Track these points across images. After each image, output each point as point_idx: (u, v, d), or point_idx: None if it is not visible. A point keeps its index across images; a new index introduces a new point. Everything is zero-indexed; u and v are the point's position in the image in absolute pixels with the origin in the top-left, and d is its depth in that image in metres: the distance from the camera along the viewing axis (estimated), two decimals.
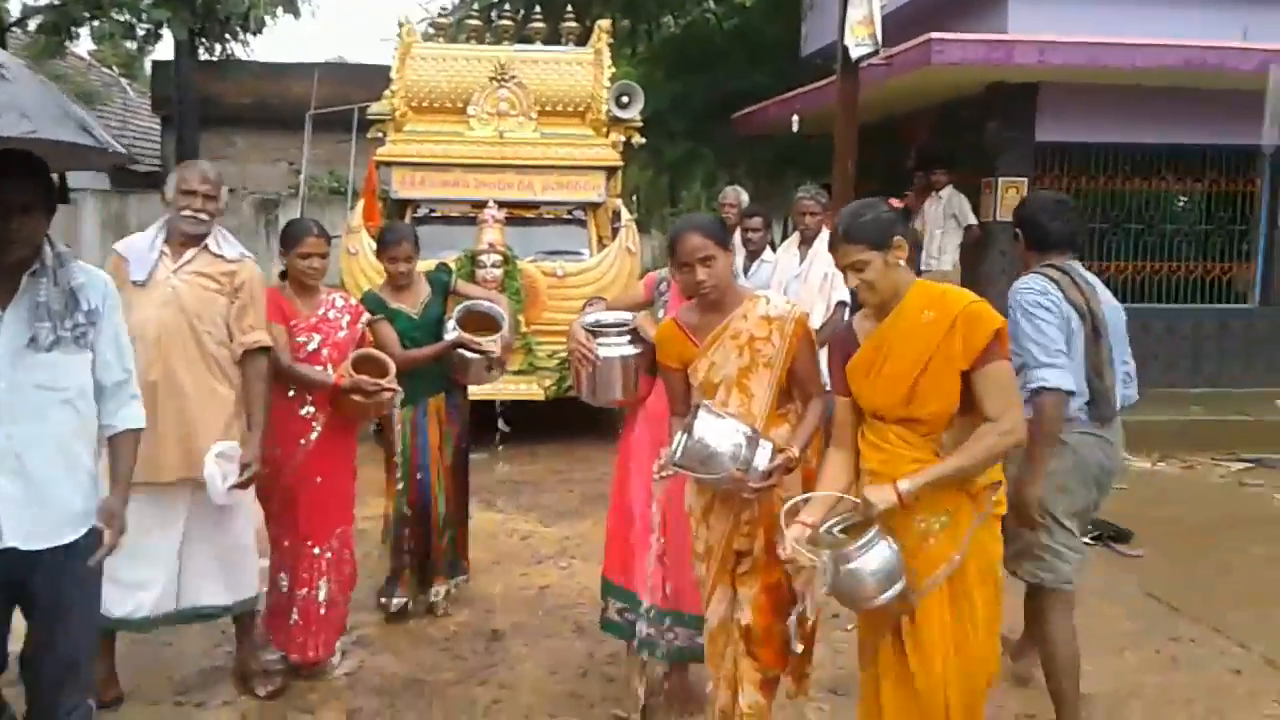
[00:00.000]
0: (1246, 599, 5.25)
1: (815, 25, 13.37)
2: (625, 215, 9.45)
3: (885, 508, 2.74)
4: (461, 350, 4.71)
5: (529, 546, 6.01)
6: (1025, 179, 9.69)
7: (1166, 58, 8.66)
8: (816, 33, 13.13)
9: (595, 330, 3.77)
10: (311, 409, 4.15)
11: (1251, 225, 10.38)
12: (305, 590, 4.15)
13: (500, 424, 6.25)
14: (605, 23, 10.31)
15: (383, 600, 4.85)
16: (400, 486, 4.82)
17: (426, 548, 4.84)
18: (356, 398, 4.12)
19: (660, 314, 3.74)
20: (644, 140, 10.22)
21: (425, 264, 8.37)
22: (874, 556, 2.70)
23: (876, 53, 7.97)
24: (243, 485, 3.80)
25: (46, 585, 2.71)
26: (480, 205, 8.86)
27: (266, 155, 21.03)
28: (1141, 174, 10.11)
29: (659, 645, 3.74)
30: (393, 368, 4.24)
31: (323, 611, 4.18)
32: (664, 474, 3.13)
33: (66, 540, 2.72)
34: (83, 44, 20.53)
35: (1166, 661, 4.56)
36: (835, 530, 2.80)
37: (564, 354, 8.33)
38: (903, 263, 2.84)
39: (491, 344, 4.73)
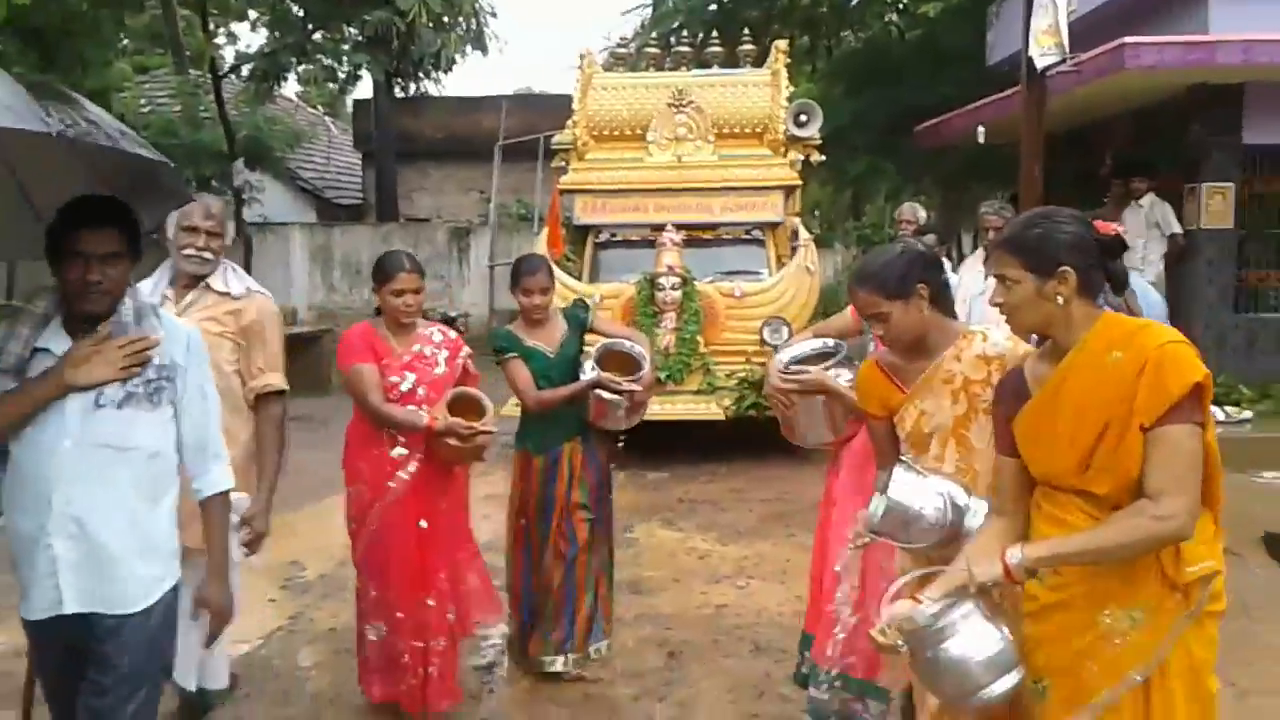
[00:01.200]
0: None
1: (1001, 34, 12.99)
2: (804, 234, 9.43)
3: (985, 581, 2.31)
4: (599, 391, 4.33)
5: (707, 565, 6.05)
6: (1232, 184, 9.14)
7: None
8: (1003, 41, 12.76)
9: (792, 369, 3.50)
10: (404, 451, 3.88)
11: None
12: (419, 643, 3.87)
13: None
14: (782, 43, 10.35)
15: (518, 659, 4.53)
16: (528, 541, 4.45)
17: (539, 606, 4.42)
18: (452, 441, 3.82)
19: (870, 346, 3.53)
20: (824, 157, 10.18)
21: (608, 288, 8.74)
22: (966, 639, 2.26)
23: (1063, 61, 7.69)
24: (247, 544, 3.57)
25: (112, 654, 2.54)
26: (659, 229, 9.02)
27: (459, 186, 21.92)
28: None
29: (828, 715, 3.55)
30: (490, 409, 3.92)
31: (444, 664, 3.92)
32: (860, 544, 2.81)
33: (136, 609, 2.55)
34: (289, 86, 21.92)
35: None
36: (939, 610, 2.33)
37: (743, 374, 8.42)
38: (1063, 299, 2.32)
39: (632, 384, 4.35)
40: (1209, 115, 9.15)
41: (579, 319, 4.53)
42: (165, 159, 2.68)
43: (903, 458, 2.73)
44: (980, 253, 6.08)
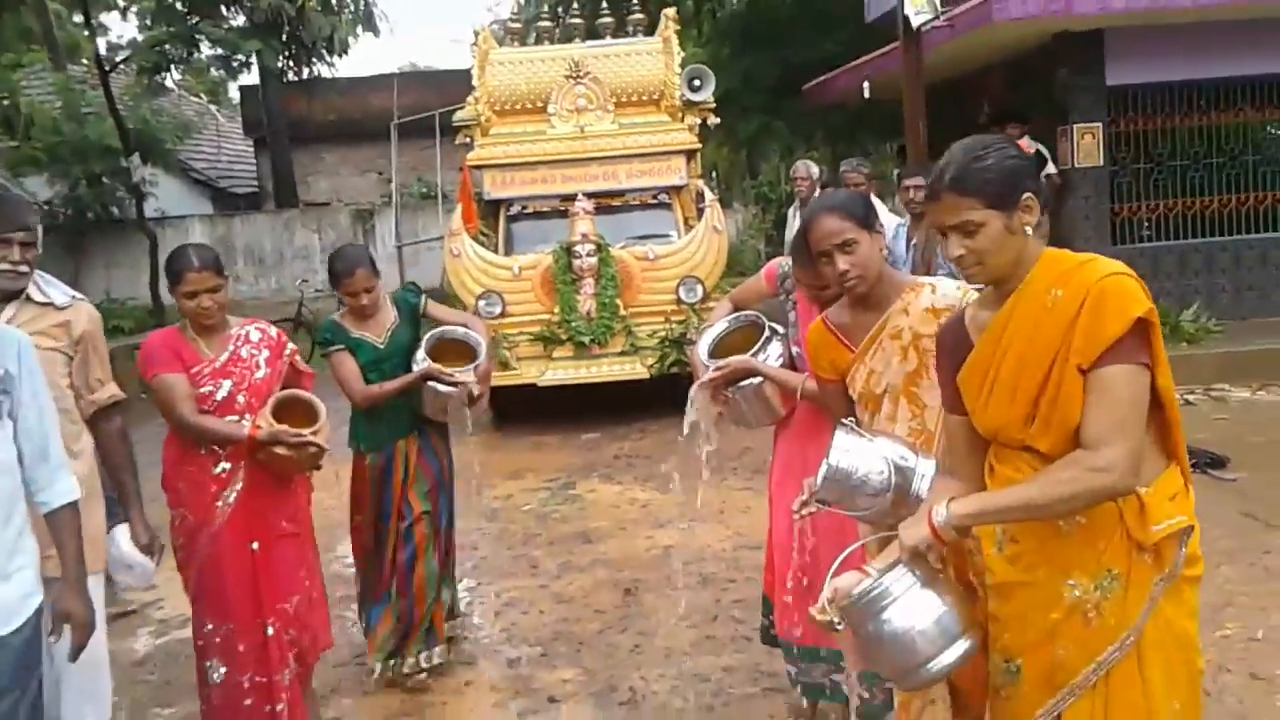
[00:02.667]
0: None
1: None
2: (709, 195, 9.83)
3: (913, 545, 2.12)
4: (432, 383, 4.09)
5: (649, 513, 6.47)
6: (1099, 124, 9.81)
7: None
8: None
9: (718, 363, 3.38)
10: (227, 465, 3.49)
11: None
12: (249, 677, 3.53)
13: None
14: (671, 10, 10.69)
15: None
16: (361, 536, 4.28)
17: (384, 610, 4.23)
18: (280, 451, 3.45)
19: (791, 315, 3.42)
20: (719, 120, 10.60)
21: (525, 259, 9.03)
22: (902, 609, 2.08)
23: (936, 17, 8.22)
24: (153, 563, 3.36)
25: None
26: (569, 199, 9.36)
27: (356, 167, 21.85)
28: (1218, 108, 10.14)
29: (799, 683, 3.52)
30: (323, 412, 3.59)
31: (285, 698, 3.55)
32: (804, 512, 2.61)
33: (2, 631, 2.40)
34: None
35: (1260, 573, 4.82)
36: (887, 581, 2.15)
37: (663, 333, 8.83)
38: (1030, 229, 2.10)
39: (466, 375, 4.10)
40: (1073, 60, 9.79)
41: (410, 304, 4.29)
42: None
43: (843, 420, 2.55)
44: None
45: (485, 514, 6.67)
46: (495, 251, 9.47)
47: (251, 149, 23.18)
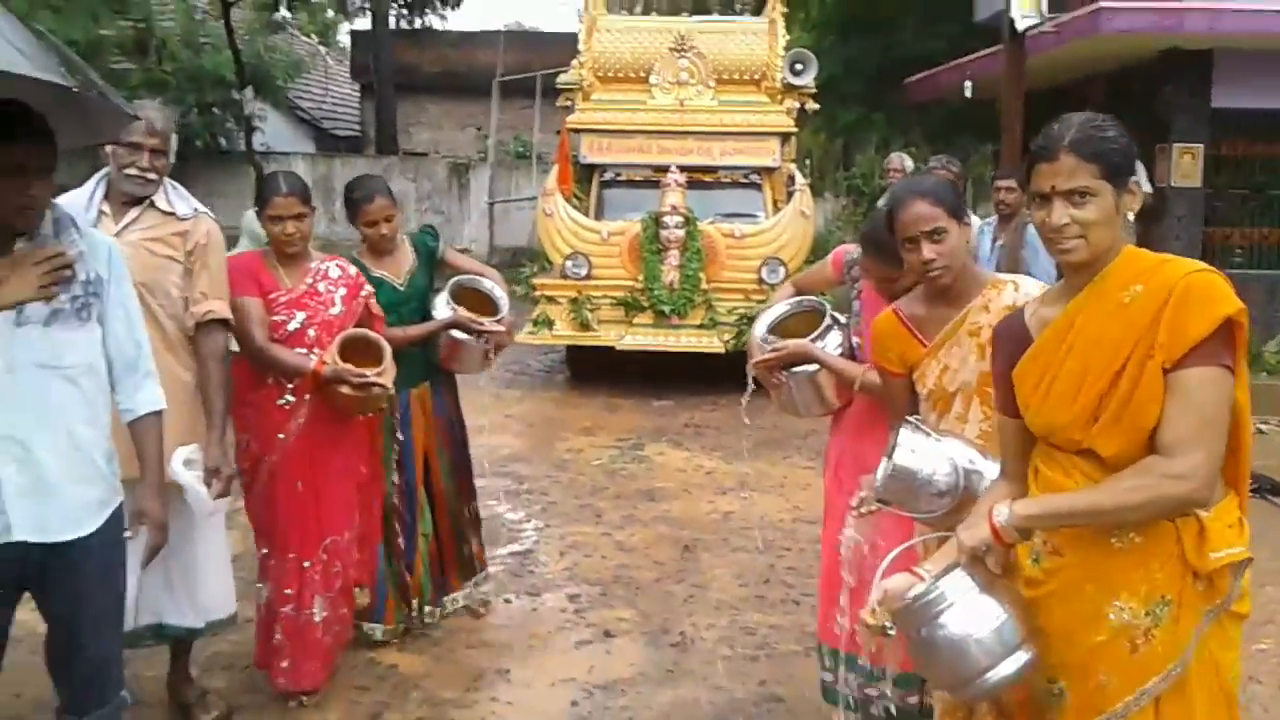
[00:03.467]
0: None
1: None
2: (799, 179, 9.99)
3: (973, 546, 2.00)
4: (456, 332, 4.01)
5: (713, 480, 6.72)
6: (1200, 145, 9.77)
7: None
8: None
9: (774, 343, 3.27)
10: (291, 399, 3.51)
11: None
12: (290, 608, 3.56)
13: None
14: None
15: (365, 627, 4.08)
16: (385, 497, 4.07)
17: (411, 564, 4.15)
18: (343, 389, 3.46)
19: (855, 304, 3.30)
20: (817, 106, 10.74)
21: (614, 225, 9.29)
22: (959, 615, 1.95)
23: (1043, 22, 8.26)
24: (223, 494, 3.29)
25: (66, 582, 2.46)
26: (662, 170, 9.60)
27: (456, 121, 22.31)
28: None
29: (848, 698, 3.26)
30: (389, 353, 3.57)
31: (319, 635, 3.59)
32: (864, 510, 2.63)
33: (84, 532, 2.45)
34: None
35: None
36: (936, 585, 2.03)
37: (742, 310, 9.04)
38: (1132, 215, 2.02)
39: (495, 324, 4.05)
40: (1180, 78, 9.75)
41: (429, 248, 4.18)
42: (95, 88, 2.38)
43: (909, 418, 2.48)
44: None
45: (556, 464, 6.98)
46: (586, 215, 9.75)
47: (357, 93, 23.76)
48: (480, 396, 8.93)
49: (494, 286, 4.18)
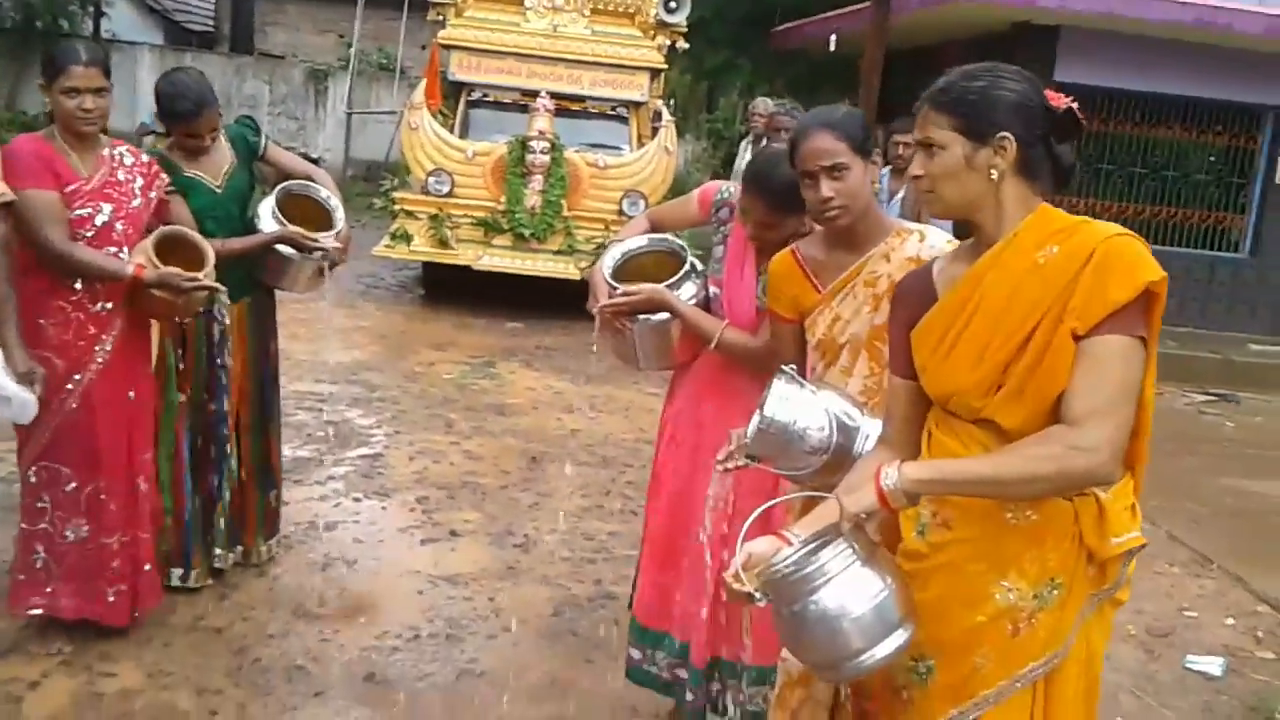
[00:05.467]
0: (1161, 491, 6.08)
1: None
2: (666, 116, 10.14)
3: (856, 511, 1.83)
4: (283, 247, 3.63)
5: (561, 399, 6.90)
6: None
7: (1179, 14, 9.29)
8: None
9: (623, 289, 2.88)
10: (108, 305, 3.17)
11: (1249, 179, 11.05)
12: (131, 535, 3.31)
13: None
14: None
15: (171, 578, 3.67)
16: (185, 421, 3.65)
17: (218, 499, 3.77)
18: (160, 294, 3.14)
19: (719, 249, 3.00)
20: (687, 45, 10.89)
21: (479, 145, 9.26)
22: (837, 588, 1.75)
23: None
24: (43, 396, 3.01)
25: None
26: (531, 94, 9.61)
27: (316, 25, 21.52)
28: (1151, 121, 10.75)
29: (657, 678, 3.09)
30: (211, 255, 3.26)
31: (147, 556, 3.38)
32: (729, 465, 2.42)
33: None
34: None
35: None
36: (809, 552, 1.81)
37: (600, 240, 9.18)
38: (996, 173, 1.85)
39: (328, 240, 3.67)
40: (1028, 51, 10.25)
41: (249, 144, 3.73)
42: None
43: (784, 368, 2.30)
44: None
45: (407, 375, 7.03)
46: (452, 132, 9.69)
47: None
48: (331, 306, 8.90)
49: (329, 195, 3.76)
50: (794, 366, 2.33)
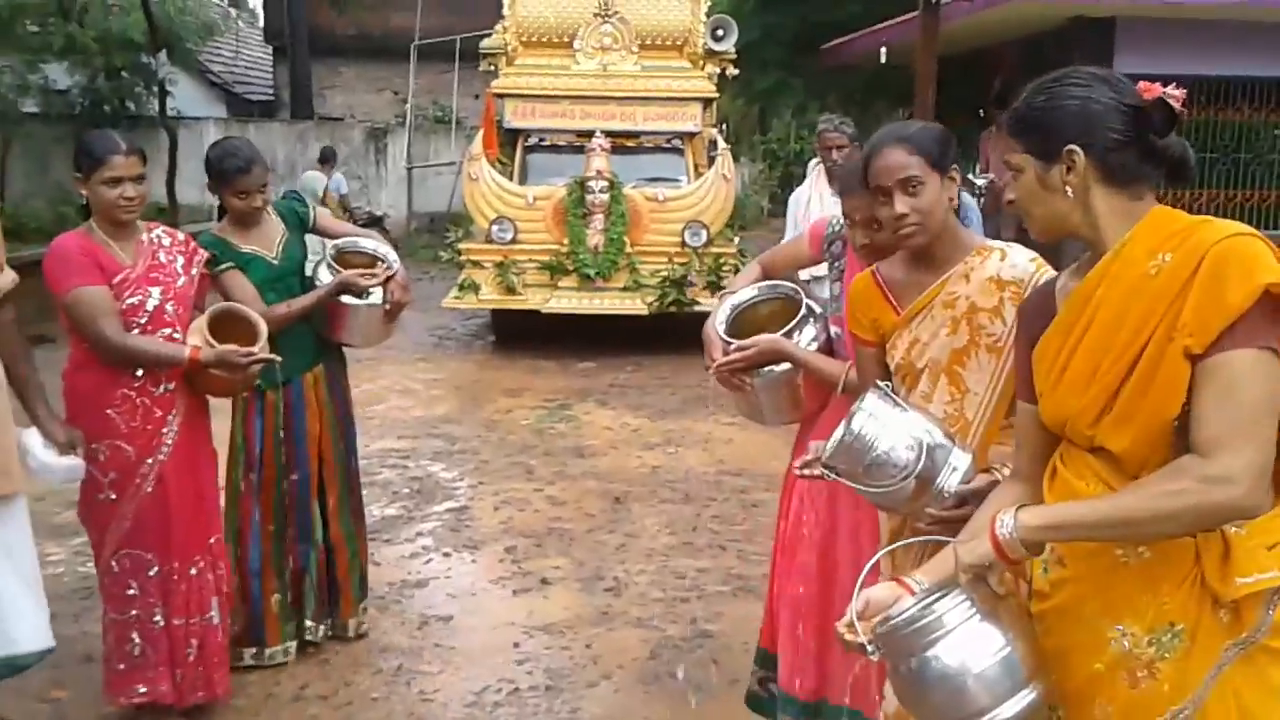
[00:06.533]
0: None
1: None
2: (721, 144, 10.17)
3: (972, 562, 1.72)
4: (346, 298, 3.63)
5: (639, 436, 6.89)
6: None
7: None
8: None
9: (737, 344, 2.77)
10: (170, 386, 3.18)
11: None
12: (198, 618, 3.29)
13: None
14: None
15: (243, 658, 3.68)
16: (262, 494, 3.70)
17: (308, 570, 3.79)
18: (218, 371, 3.17)
19: (835, 286, 2.87)
20: (737, 71, 10.92)
21: (539, 189, 9.36)
22: (957, 643, 1.65)
23: None
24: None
25: None
26: (586, 135, 9.71)
27: (372, 85, 21.97)
28: (1217, 105, 10.50)
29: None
30: (264, 328, 3.27)
31: (219, 638, 3.36)
32: (807, 472, 2.27)
33: None
34: None
35: None
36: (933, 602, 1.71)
37: (665, 273, 9.21)
38: (1103, 185, 1.72)
39: (385, 271, 3.68)
40: (1085, 45, 10.09)
41: (299, 215, 3.80)
42: None
43: (879, 383, 2.21)
44: (819, 172, 5.87)
45: (485, 424, 7.09)
46: (511, 180, 9.81)
47: (270, 57, 23.24)
48: (406, 360, 9.03)
49: (376, 245, 3.81)
50: (889, 384, 2.24)
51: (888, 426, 2.07)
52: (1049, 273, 2.17)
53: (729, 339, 2.80)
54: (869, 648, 1.71)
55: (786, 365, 2.74)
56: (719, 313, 2.90)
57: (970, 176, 7.96)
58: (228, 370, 3.16)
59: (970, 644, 1.65)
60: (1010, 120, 1.80)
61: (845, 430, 2.09)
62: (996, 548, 1.69)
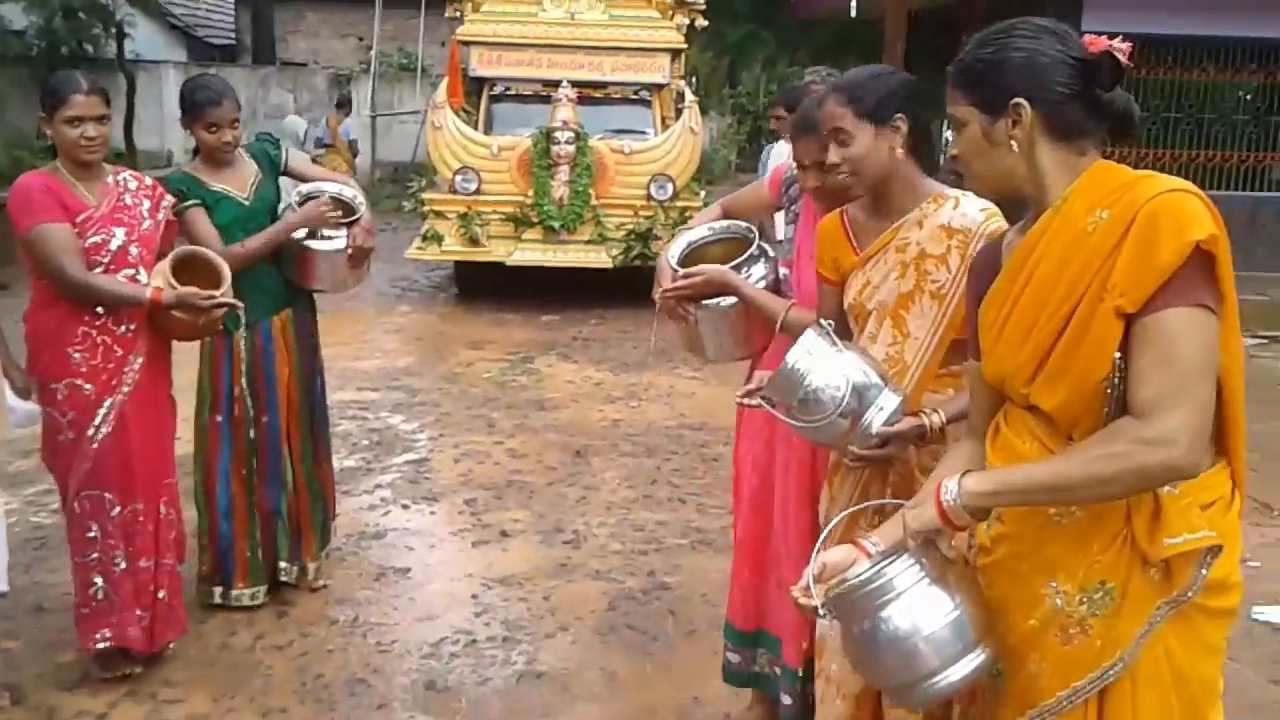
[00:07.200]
0: None
1: None
2: (689, 96, 10.08)
3: (919, 528, 1.73)
4: (311, 242, 3.64)
5: (602, 390, 6.89)
6: None
7: None
8: None
9: (684, 272, 2.76)
10: (133, 325, 3.18)
11: None
12: (153, 561, 3.28)
13: None
14: None
15: (213, 596, 3.74)
16: (229, 441, 3.68)
17: (279, 513, 3.78)
18: (180, 314, 3.15)
19: (789, 229, 2.93)
20: (706, 22, 10.81)
21: (504, 139, 9.25)
22: (907, 606, 1.67)
23: None
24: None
25: None
26: (553, 84, 9.58)
27: (336, 30, 21.64)
28: (1183, 65, 10.54)
29: (745, 673, 3.04)
30: (227, 272, 3.24)
31: (177, 582, 3.38)
32: (746, 401, 2.38)
33: None
34: None
35: None
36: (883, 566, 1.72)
37: (630, 226, 9.16)
38: (1048, 139, 1.70)
39: (352, 222, 3.67)
40: (1055, 2, 10.08)
41: (270, 157, 3.78)
42: None
43: (820, 321, 2.26)
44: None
45: (447, 377, 7.06)
46: (476, 129, 9.69)
47: (232, 0, 22.80)
48: (368, 311, 8.96)
49: (343, 189, 3.78)
50: (831, 323, 2.26)
51: (820, 363, 2.13)
52: (999, 223, 2.17)
53: (677, 269, 2.80)
54: (821, 611, 1.73)
55: (732, 299, 2.72)
56: (673, 246, 2.93)
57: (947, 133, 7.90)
58: (189, 313, 3.14)
59: (920, 607, 1.66)
60: (955, 72, 1.77)
61: (782, 363, 2.16)
62: (941, 514, 1.70)
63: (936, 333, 2.26)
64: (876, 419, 2.14)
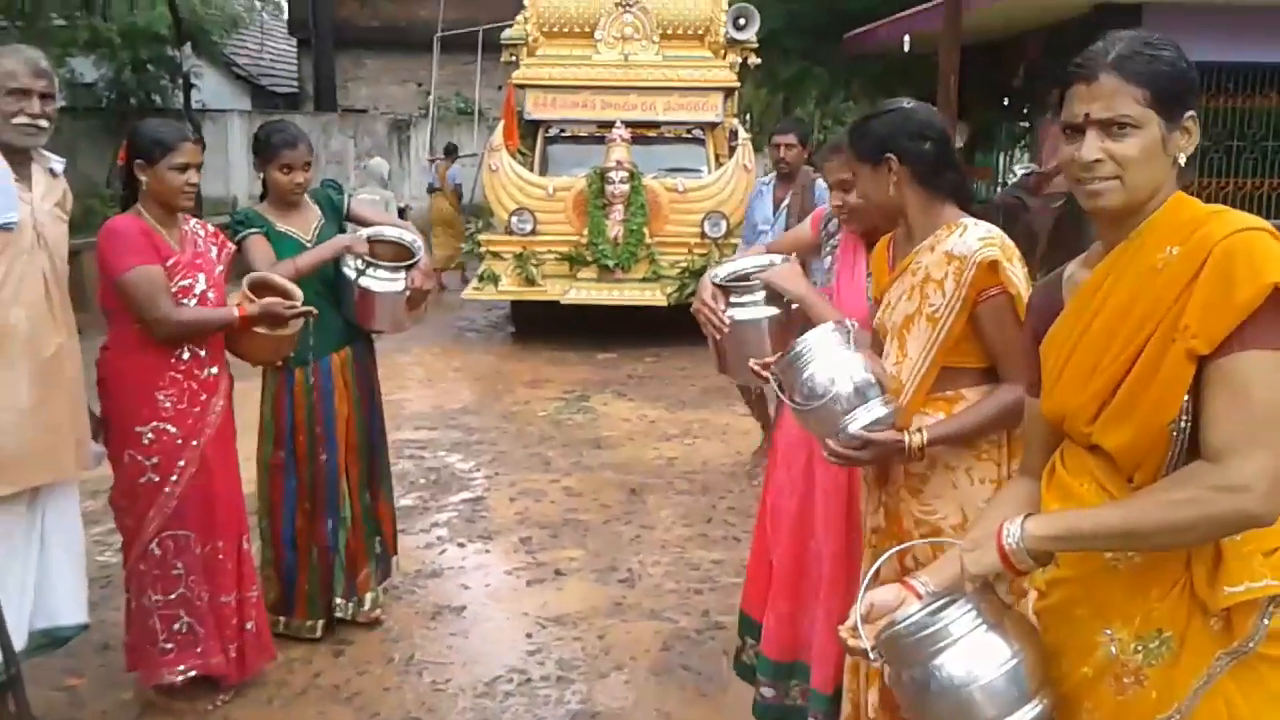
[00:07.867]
0: None
1: None
2: (742, 134, 10.13)
3: (978, 573, 1.68)
4: (368, 283, 3.71)
5: (657, 428, 6.89)
6: None
7: None
8: None
9: (729, 286, 2.87)
10: (214, 370, 3.29)
11: None
12: (235, 595, 3.38)
13: None
14: None
15: (277, 625, 3.78)
16: (293, 475, 3.78)
17: (335, 549, 3.84)
18: (262, 330, 3.27)
19: (827, 260, 2.99)
20: (759, 60, 10.86)
21: (559, 180, 9.35)
22: (962, 653, 1.61)
23: None
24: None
25: None
26: (607, 125, 9.68)
27: (395, 77, 22.04)
28: (1246, 92, 10.35)
29: (779, 707, 3.04)
30: (298, 292, 3.37)
31: (249, 625, 3.43)
32: (762, 371, 2.50)
33: None
34: None
35: None
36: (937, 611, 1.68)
37: (684, 264, 9.19)
38: (1183, 160, 1.60)
39: (410, 266, 3.76)
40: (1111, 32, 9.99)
41: (334, 202, 3.91)
42: None
43: (842, 320, 2.38)
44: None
45: (504, 415, 7.11)
46: (531, 171, 9.81)
47: (294, 49, 23.36)
48: (427, 352, 9.06)
49: (403, 233, 3.88)
50: (855, 323, 2.37)
51: (822, 356, 2.24)
52: (991, 253, 2.22)
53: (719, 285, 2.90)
54: (871, 654, 1.68)
55: (771, 311, 2.82)
56: (718, 269, 3.02)
57: (1018, 167, 7.94)
58: (271, 325, 3.27)
59: (976, 655, 1.61)
60: (1124, 64, 1.58)
61: (791, 347, 2.29)
62: (1003, 558, 1.65)
63: (928, 355, 2.29)
64: (858, 419, 2.21)
